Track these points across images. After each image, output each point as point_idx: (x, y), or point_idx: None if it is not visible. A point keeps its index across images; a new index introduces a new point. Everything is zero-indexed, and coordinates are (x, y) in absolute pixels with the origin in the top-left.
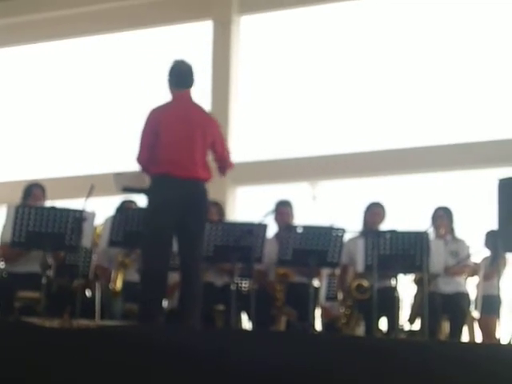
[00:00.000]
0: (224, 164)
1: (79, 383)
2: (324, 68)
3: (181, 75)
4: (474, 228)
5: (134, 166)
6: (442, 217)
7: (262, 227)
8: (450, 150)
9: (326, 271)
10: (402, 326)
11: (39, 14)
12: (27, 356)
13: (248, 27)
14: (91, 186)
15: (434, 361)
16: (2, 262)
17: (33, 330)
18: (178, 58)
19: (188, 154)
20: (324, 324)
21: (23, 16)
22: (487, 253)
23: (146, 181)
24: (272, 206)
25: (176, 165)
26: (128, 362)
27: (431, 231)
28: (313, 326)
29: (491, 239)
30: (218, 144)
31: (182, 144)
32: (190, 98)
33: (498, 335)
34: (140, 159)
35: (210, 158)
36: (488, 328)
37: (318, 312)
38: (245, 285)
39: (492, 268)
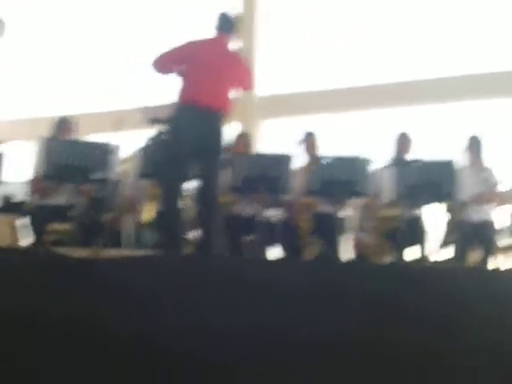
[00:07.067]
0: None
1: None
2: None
3: (224, 21)
4: (504, 157)
5: (162, 100)
6: (472, 145)
7: (288, 158)
8: (480, 79)
9: (358, 202)
10: (427, 255)
11: None
12: (55, 286)
13: None
14: (120, 118)
15: (462, 286)
16: (35, 196)
17: (61, 260)
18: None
19: (214, 85)
20: (356, 254)
21: None
22: None
23: None
24: (300, 137)
25: (202, 94)
26: (156, 289)
27: (461, 160)
28: (337, 255)
29: None
30: (245, 82)
31: (210, 76)
32: (226, 43)
33: None
34: (157, 62)
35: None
36: None
37: (348, 242)
38: (273, 216)
39: None
